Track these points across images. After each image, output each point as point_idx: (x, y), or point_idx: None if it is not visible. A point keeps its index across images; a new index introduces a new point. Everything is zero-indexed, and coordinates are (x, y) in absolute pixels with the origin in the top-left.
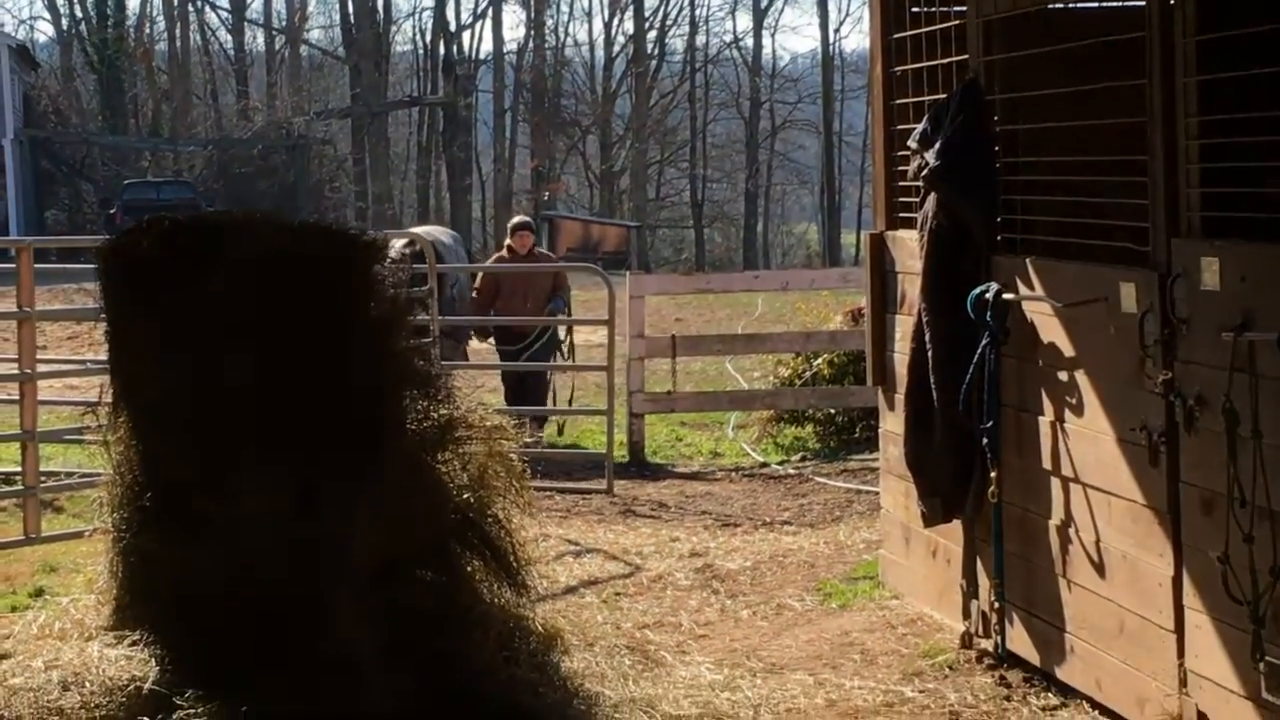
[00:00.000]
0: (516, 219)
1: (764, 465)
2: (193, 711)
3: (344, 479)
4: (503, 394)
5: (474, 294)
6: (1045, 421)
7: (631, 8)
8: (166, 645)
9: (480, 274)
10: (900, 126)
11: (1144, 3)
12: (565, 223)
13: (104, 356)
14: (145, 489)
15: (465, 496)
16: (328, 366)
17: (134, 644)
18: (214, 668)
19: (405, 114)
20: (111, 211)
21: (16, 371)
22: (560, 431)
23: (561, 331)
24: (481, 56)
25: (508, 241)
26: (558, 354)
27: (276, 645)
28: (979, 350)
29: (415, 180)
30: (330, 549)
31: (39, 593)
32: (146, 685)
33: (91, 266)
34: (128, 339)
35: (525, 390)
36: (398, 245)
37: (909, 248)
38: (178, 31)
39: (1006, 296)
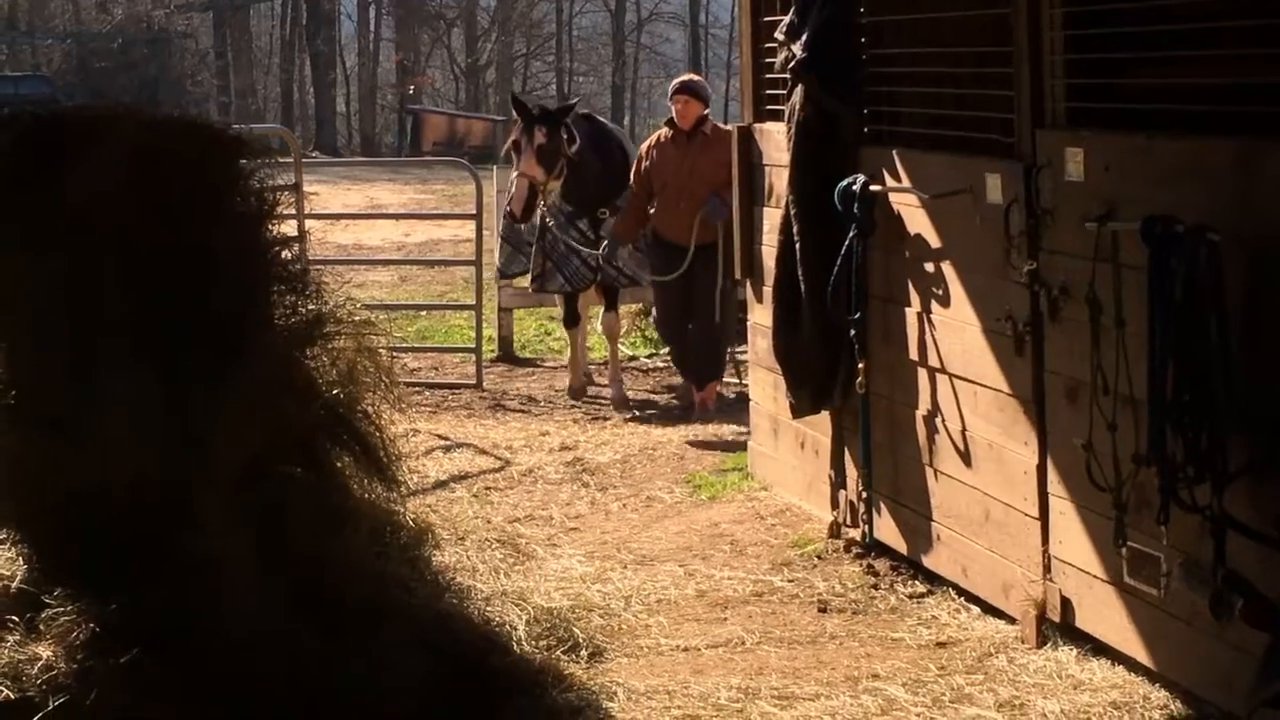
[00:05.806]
0: (681, 79)
1: (633, 358)
2: (61, 610)
3: (211, 376)
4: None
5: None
6: (912, 313)
7: None
8: (35, 544)
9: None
10: (768, 18)
11: None
12: (431, 117)
13: None
14: (9, 387)
15: (335, 392)
16: (193, 262)
17: (1, 543)
18: (82, 566)
19: (268, 7)
20: None
21: None
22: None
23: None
24: None
25: (672, 111)
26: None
27: (144, 544)
28: (846, 242)
29: (279, 75)
30: (197, 446)
31: None
32: (14, 584)
33: None
34: None
35: (697, 314)
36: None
37: (776, 140)
38: None
39: (873, 188)
